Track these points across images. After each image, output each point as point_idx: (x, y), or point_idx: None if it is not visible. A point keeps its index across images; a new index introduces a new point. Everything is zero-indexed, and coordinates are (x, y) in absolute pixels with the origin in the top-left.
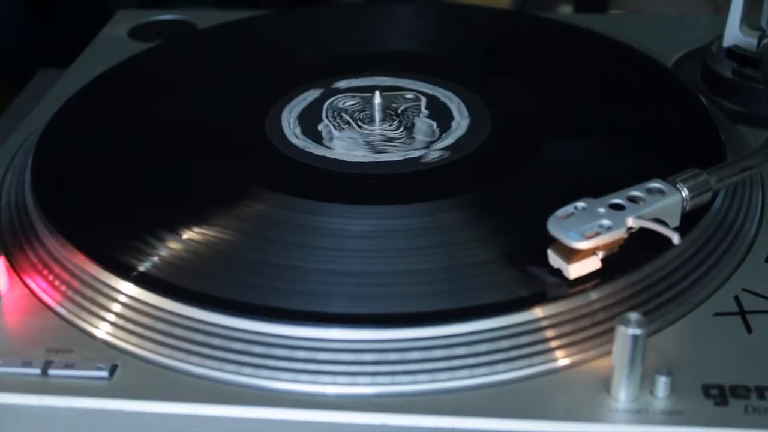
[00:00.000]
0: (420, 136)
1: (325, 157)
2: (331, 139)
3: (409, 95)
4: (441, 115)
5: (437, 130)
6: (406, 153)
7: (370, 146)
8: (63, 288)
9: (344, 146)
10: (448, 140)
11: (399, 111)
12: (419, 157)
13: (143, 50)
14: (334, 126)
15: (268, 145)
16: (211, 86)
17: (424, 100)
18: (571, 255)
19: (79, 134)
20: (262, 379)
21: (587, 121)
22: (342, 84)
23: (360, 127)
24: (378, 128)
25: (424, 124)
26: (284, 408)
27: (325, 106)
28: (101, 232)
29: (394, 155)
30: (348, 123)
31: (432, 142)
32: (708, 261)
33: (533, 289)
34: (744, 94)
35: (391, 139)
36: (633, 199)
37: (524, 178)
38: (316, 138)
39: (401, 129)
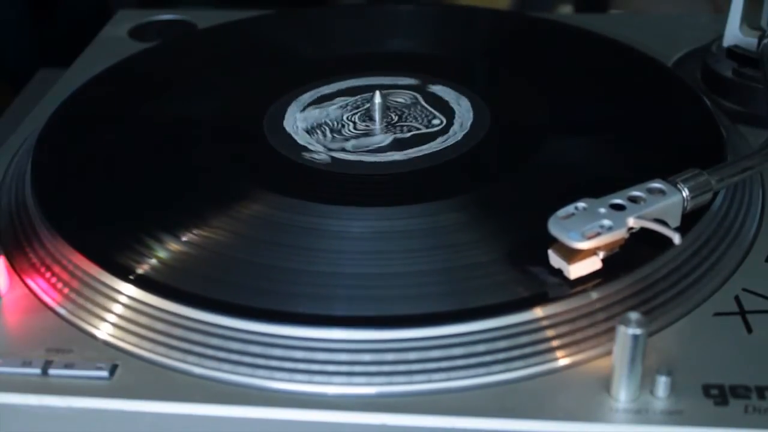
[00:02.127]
0: (417, 135)
1: (323, 158)
2: (330, 139)
3: (409, 95)
4: (442, 116)
5: (436, 130)
6: (404, 153)
7: (370, 146)
8: (63, 288)
9: (344, 146)
10: (448, 141)
11: (399, 111)
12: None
13: (142, 50)
14: (333, 126)
15: (268, 145)
16: (211, 86)
17: (424, 100)
18: (571, 255)
19: (78, 134)
20: (262, 379)
21: (587, 121)
22: (341, 84)
23: (360, 127)
24: (378, 128)
25: (426, 122)
26: (284, 408)
27: (325, 106)
28: (101, 233)
29: (394, 155)
30: (348, 123)
31: (430, 140)
32: (708, 261)
33: (534, 289)
34: (744, 94)
35: (389, 139)
36: (634, 199)
37: (524, 178)
38: (316, 138)
39: (401, 128)
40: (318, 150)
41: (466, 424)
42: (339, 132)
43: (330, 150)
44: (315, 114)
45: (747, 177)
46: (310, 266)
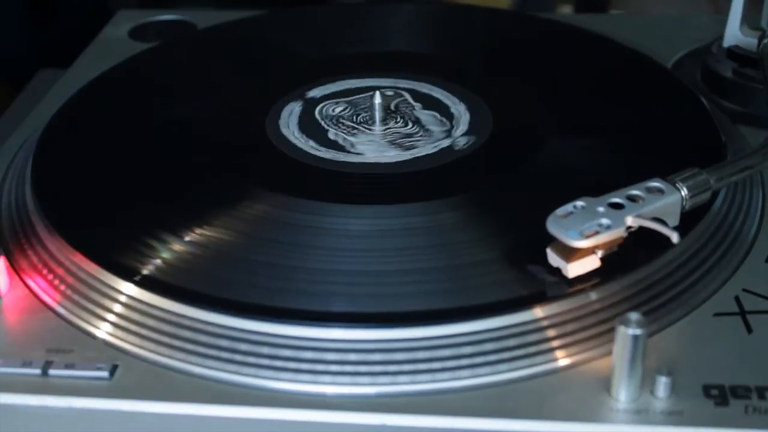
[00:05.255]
0: (417, 135)
1: (324, 157)
2: (330, 138)
3: (410, 95)
4: (441, 116)
5: (436, 129)
6: (404, 153)
7: (370, 146)
8: (63, 288)
9: (343, 146)
10: (448, 141)
11: (400, 111)
12: (450, 146)
13: (143, 50)
14: (333, 125)
15: (268, 145)
16: (211, 86)
17: (424, 100)
18: (570, 254)
19: (79, 134)
20: (262, 379)
21: (587, 121)
22: (342, 84)
23: (360, 127)
24: (378, 128)
25: (426, 122)
26: (284, 408)
27: (325, 106)
28: (101, 233)
29: (393, 155)
30: (348, 123)
31: (430, 140)
32: (708, 261)
33: (533, 288)
34: (744, 94)
35: (390, 139)
36: (632, 198)
37: (524, 177)
38: (316, 138)
39: (400, 129)
40: (323, 150)
41: (466, 424)
42: (341, 132)
43: (334, 150)
44: (315, 114)
45: (746, 176)
46: (309, 264)
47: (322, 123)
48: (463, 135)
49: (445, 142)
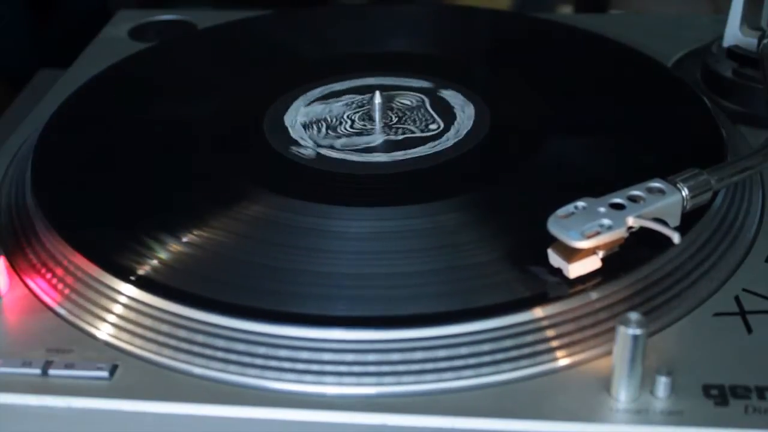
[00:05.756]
0: (417, 136)
1: (324, 157)
2: (330, 139)
3: (410, 96)
4: (442, 116)
5: (436, 130)
6: (405, 153)
7: (370, 146)
8: (63, 288)
9: (343, 146)
10: (448, 141)
11: (399, 111)
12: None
13: (142, 50)
14: (333, 126)
15: (268, 146)
16: (211, 86)
17: (425, 100)
18: (571, 254)
19: (78, 134)
20: (263, 380)
21: (587, 121)
22: (342, 84)
23: (360, 127)
24: (378, 128)
25: (422, 124)
26: (284, 408)
27: (325, 106)
28: (101, 233)
29: (393, 155)
30: (347, 123)
31: (430, 140)
32: (708, 261)
33: (533, 289)
34: (744, 94)
35: (389, 139)
36: (633, 199)
37: (524, 178)
38: (309, 134)
39: (400, 129)
40: (306, 145)
41: (466, 424)
42: (334, 129)
43: (318, 146)
44: (318, 109)
45: (747, 177)
46: (310, 266)
47: (322, 118)
48: (453, 141)
49: (434, 147)
